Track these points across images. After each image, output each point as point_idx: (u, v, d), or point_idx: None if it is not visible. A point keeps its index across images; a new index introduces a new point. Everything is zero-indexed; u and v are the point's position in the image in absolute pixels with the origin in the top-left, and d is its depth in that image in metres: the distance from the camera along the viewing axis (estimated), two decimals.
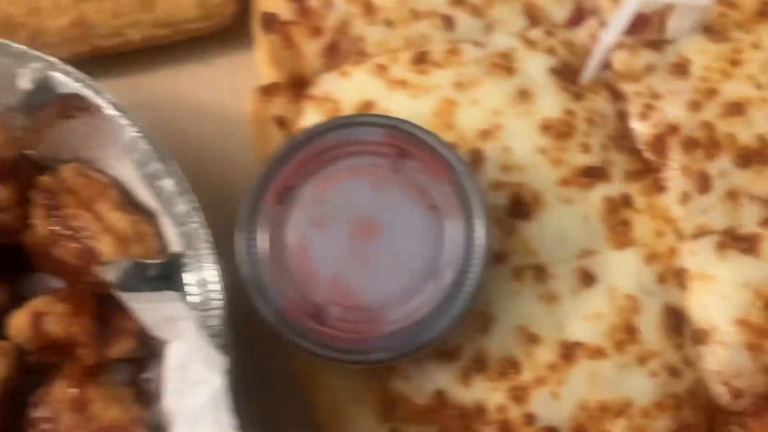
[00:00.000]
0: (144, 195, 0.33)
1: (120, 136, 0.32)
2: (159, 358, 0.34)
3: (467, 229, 0.30)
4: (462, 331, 0.33)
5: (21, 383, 0.32)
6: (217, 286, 0.31)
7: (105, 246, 0.31)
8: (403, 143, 0.30)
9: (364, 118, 0.31)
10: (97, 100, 0.31)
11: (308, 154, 0.31)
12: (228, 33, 0.42)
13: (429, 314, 0.29)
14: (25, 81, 0.30)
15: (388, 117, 0.32)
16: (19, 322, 0.33)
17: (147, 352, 0.34)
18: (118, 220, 0.32)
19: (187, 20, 0.40)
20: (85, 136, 0.34)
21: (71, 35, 0.40)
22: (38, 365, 0.34)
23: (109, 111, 0.32)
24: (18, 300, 0.34)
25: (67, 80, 0.31)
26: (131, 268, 0.30)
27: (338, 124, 0.31)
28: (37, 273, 0.36)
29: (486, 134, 0.37)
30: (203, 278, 0.31)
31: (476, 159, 0.37)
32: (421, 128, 0.31)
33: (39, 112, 0.31)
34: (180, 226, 0.32)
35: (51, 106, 0.31)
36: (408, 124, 0.31)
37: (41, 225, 0.33)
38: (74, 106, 0.31)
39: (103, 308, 0.33)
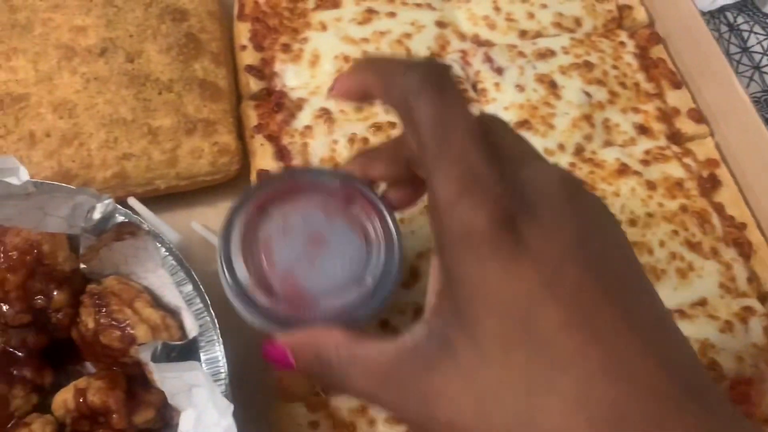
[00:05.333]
0: (170, 297, 0.45)
1: (155, 254, 0.44)
2: (172, 428, 0.43)
3: (387, 257, 0.39)
4: None
5: None
6: (223, 363, 0.42)
7: (141, 333, 0.42)
8: (351, 191, 0.40)
9: (327, 170, 0.41)
10: (142, 227, 0.44)
11: (283, 186, 0.40)
12: (232, 184, 0.56)
13: (352, 307, 0.37)
14: (97, 212, 0.42)
15: (344, 173, 0.41)
16: (63, 396, 0.43)
17: (163, 423, 0.44)
18: (151, 314, 0.43)
19: (201, 174, 0.54)
20: (125, 255, 0.45)
21: (112, 184, 0.52)
22: None
23: (148, 236, 0.44)
24: (57, 385, 0.45)
25: (124, 212, 0.43)
26: (160, 348, 0.41)
27: (308, 170, 0.42)
28: (78, 364, 0.47)
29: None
30: (214, 357, 0.43)
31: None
32: (366, 185, 0.40)
33: (102, 234, 0.43)
34: (197, 319, 0.43)
35: (111, 230, 0.43)
36: (357, 181, 0.40)
37: (89, 320, 0.44)
38: (126, 231, 0.43)
39: (130, 385, 0.44)
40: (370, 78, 0.30)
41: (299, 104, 0.57)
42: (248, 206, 0.39)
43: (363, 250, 0.39)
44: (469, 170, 0.25)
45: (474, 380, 0.24)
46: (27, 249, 0.44)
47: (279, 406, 0.46)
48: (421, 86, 0.27)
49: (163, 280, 0.45)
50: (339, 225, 0.40)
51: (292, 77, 0.59)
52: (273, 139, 0.55)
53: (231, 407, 0.37)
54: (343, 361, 0.29)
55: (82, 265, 0.46)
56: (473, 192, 0.25)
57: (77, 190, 0.42)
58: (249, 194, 0.40)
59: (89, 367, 0.47)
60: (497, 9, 0.63)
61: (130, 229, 0.43)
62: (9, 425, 0.42)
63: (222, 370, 0.42)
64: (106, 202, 0.42)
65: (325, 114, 0.56)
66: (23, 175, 0.42)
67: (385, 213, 0.40)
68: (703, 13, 0.64)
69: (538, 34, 0.63)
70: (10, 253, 0.44)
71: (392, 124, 0.56)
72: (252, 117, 0.57)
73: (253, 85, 0.59)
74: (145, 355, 0.41)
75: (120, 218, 0.44)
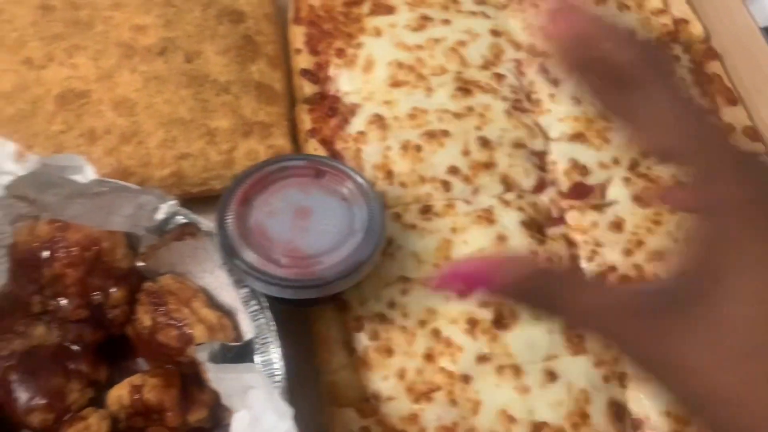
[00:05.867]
0: (226, 297, 0.45)
1: (213, 255, 0.45)
2: (223, 428, 0.44)
3: (369, 208, 0.46)
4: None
5: None
6: (279, 365, 0.43)
7: (198, 332, 0.43)
8: (318, 166, 0.47)
9: (290, 155, 0.50)
10: (202, 229, 0.44)
11: (257, 178, 0.47)
12: None
13: (354, 255, 0.44)
14: (161, 213, 0.43)
15: (306, 154, 0.52)
16: (118, 392, 0.44)
17: (214, 423, 0.44)
18: (207, 314, 0.44)
19: None
20: (183, 254, 0.46)
21: (169, 183, 0.53)
22: (126, 430, 0.44)
23: (207, 237, 0.45)
24: (110, 381, 0.45)
25: (185, 213, 0.44)
26: (218, 348, 0.41)
27: (276, 160, 0.48)
28: (130, 361, 0.47)
29: None
30: (268, 359, 0.43)
31: None
32: (326, 158, 0.50)
33: (164, 234, 0.44)
34: (253, 321, 0.44)
35: (173, 231, 0.43)
36: (317, 157, 0.49)
37: (146, 318, 0.44)
38: (187, 231, 0.44)
39: (184, 384, 0.44)
40: None
41: (353, 109, 0.57)
42: (233, 201, 0.45)
43: (345, 208, 0.46)
44: None
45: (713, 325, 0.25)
46: (87, 245, 0.44)
47: (330, 410, 0.46)
48: None
49: (220, 281, 0.45)
50: (317, 195, 0.46)
51: (345, 82, 0.59)
52: (327, 143, 0.56)
53: (291, 411, 0.38)
54: (575, 284, 0.29)
55: (140, 263, 0.46)
56: None
57: (143, 190, 0.43)
58: (231, 188, 0.46)
59: (141, 363, 0.47)
60: None
61: (191, 230, 0.44)
62: (65, 418, 0.43)
63: (277, 373, 0.42)
64: (171, 203, 0.43)
65: (379, 120, 0.56)
66: (89, 173, 0.42)
67: (353, 174, 0.47)
68: (761, 29, 0.63)
69: None
70: (70, 249, 0.44)
71: (445, 132, 0.56)
72: (306, 121, 0.57)
73: (307, 88, 0.59)
74: (201, 355, 0.41)
75: (180, 219, 0.44)
